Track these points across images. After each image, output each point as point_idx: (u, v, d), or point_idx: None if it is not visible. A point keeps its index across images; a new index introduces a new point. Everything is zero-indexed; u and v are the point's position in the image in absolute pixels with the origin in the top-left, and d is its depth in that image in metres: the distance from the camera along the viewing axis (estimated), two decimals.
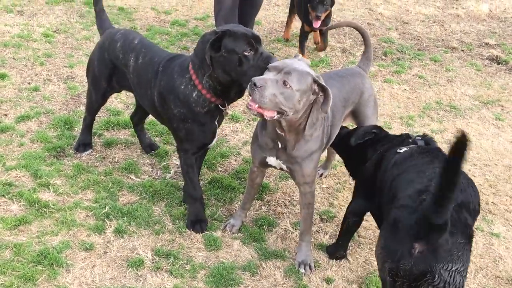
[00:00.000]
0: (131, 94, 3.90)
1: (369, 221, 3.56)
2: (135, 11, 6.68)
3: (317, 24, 5.47)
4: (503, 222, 3.74)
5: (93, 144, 4.00)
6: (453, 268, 2.29)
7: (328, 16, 5.60)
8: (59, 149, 3.90)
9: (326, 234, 3.48)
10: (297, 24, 6.54)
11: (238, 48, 2.86)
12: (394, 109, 5.11)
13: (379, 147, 3.09)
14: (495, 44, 6.92)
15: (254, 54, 2.87)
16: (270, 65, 2.74)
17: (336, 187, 3.95)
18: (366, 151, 3.15)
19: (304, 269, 3.13)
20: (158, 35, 6.02)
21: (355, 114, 3.56)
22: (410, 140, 3.03)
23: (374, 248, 2.57)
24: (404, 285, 2.33)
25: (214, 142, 3.30)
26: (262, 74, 2.74)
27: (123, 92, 4.02)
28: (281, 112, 2.70)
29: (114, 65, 3.52)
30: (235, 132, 4.46)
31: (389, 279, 2.38)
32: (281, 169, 3.12)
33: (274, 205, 3.68)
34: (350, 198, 3.81)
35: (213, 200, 3.65)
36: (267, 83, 2.62)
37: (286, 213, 3.61)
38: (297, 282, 3.07)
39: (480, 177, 4.19)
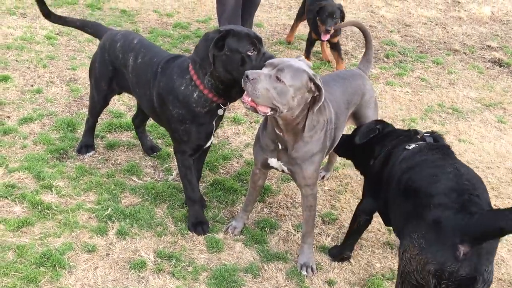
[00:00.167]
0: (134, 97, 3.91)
1: (370, 223, 3.56)
2: (137, 14, 6.70)
3: (325, 38, 5.44)
4: None
5: (95, 146, 4.01)
6: (490, 269, 2.28)
7: (338, 28, 5.53)
8: (61, 151, 3.91)
9: (328, 236, 3.48)
10: (301, 28, 6.56)
11: (241, 48, 2.89)
12: (396, 111, 5.11)
13: (387, 143, 3.08)
14: (497, 47, 6.92)
15: (256, 54, 2.91)
16: (267, 61, 2.76)
17: (338, 189, 3.95)
18: (373, 147, 3.13)
19: (306, 271, 3.13)
20: (160, 38, 6.04)
21: (356, 116, 3.56)
22: (419, 137, 3.01)
23: (401, 249, 2.45)
24: (448, 287, 2.28)
25: (209, 143, 3.30)
26: None
27: (126, 94, 4.03)
28: (274, 109, 2.71)
29: (114, 67, 3.53)
30: (237, 134, 4.46)
31: (434, 282, 2.30)
32: (283, 171, 3.13)
33: (276, 207, 3.69)
34: (352, 200, 3.83)
35: (215, 202, 3.65)
36: (260, 76, 2.65)
37: (288, 215, 3.61)
38: (299, 284, 3.07)
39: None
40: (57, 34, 5.82)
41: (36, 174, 3.60)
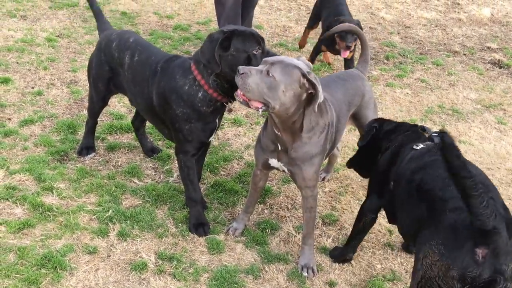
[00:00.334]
0: None
1: (375, 221, 3.57)
2: (137, 16, 6.71)
3: (345, 54, 5.24)
4: None
5: (96, 148, 4.01)
6: (511, 267, 2.26)
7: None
8: (62, 153, 3.92)
9: (329, 238, 3.48)
10: (299, 29, 6.57)
11: (247, 47, 2.94)
12: (397, 113, 5.12)
13: (393, 138, 3.08)
14: (497, 48, 6.93)
15: (261, 53, 2.97)
16: (264, 59, 2.79)
17: (339, 190, 3.96)
18: (379, 143, 3.13)
19: (307, 273, 3.13)
20: (161, 40, 6.04)
21: (356, 117, 3.57)
22: (426, 136, 3.01)
23: (420, 254, 2.42)
24: None
25: (211, 138, 3.32)
26: None
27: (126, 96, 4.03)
28: (266, 104, 2.72)
29: (110, 67, 3.53)
30: (238, 136, 4.47)
31: (459, 285, 2.29)
32: (284, 171, 3.13)
33: (277, 208, 3.69)
34: (352, 201, 3.83)
35: (215, 203, 3.65)
36: (251, 71, 2.69)
37: (289, 217, 3.62)
38: (300, 285, 3.07)
39: None
40: (58, 36, 5.83)
41: (37, 176, 3.61)
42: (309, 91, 2.76)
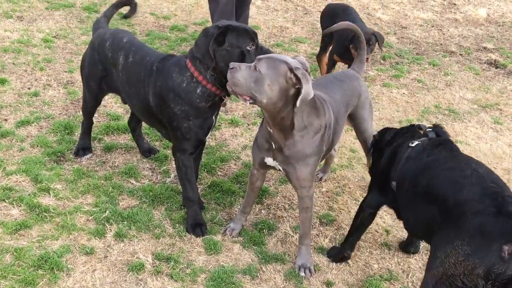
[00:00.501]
0: None
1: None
2: (134, 16, 6.68)
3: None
4: None
5: (93, 149, 4.01)
6: None
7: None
8: (59, 153, 3.91)
9: (326, 238, 3.48)
10: (297, 30, 6.57)
11: (241, 43, 2.97)
12: (393, 113, 5.13)
13: (394, 142, 3.12)
14: (493, 48, 6.95)
15: (255, 49, 3.00)
16: (257, 56, 2.83)
17: (336, 190, 3.96)
18: (383, 151, 3.16)
19: (304, 273, 3.14)
20: (158, 40, 6.04)
21: (352, 117, 3.57)
22: (421, 132, 3.04)
23: (441, 254, 2.49)
24: (494, 286, 2.36)
25: (208, 134, 3.34)
26: None
27: None
28: (253, 98, 2.76)
29: (104, 67, 3.53)
30: (235, 136, 4.47)
31: (483, 283, 2.38)
32: (280, 170, 3.14)
33: (274, 209, 3.69)
34: (349, 201, 3.84)
35: (213, 204, 3.65)
36: (240, 67, 2.77)
37: (286, 217, 3.62)
38: (297, 285, 3.08)
39: None
40: (54, 37, 5.82)
41: (33, 177, 3.60)
42: (297, 86, 2.75)
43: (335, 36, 5.27)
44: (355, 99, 3.49)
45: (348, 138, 4.56)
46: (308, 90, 2.71)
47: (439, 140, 2.96)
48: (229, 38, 2.97)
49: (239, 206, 3.60)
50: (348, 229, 3.34)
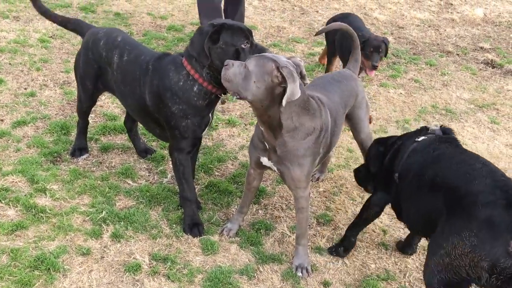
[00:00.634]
0: None
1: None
2: (131, 16, 6.69)
3: (372, 74, 4.93)
4: None
5: (89, 149, 4.00)
6: None
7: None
8: (55, 154, 3.90)
9: (323, 238, 3.48)
10: (295, 30, 6.56)
11: (235, 41, 2.99)
12: (390, 113, 5.13)
13: (398, 141, 3.14)
14: (490, 48, 6.96)
15: (249, 47, 3.02)
16: (251, 55, 2.87)
17: (333, 190, 3.96)
18: (385, 155, 3.18)
19: (301, 273, 3.13)
20: (155, 40, 6.03)
21: (349, 117, 3.57)
22: (428, 131, 3.06)
23: (447, 245, 2.49)
24: (498, 280, 2.37)
25: (205, 132, 3.34)
26: None
27: None
28: (238, 93, 2.81)
29: (99, 66, 3.51)
30: (232, 136, 4.46)
31: (486, 276, 2.39)
32: (275, 171, 3.13)
33: (271, 209, 3.69)
34: (347, 201, 3.84)
35: (210, 204, 3.65)
36: (233, 64, 2.81)
37: (283, 217, 3.61)
38: (295, 285, 3.07)
39: None
40: (51, 37, 5.81)
41: (30, 178, 3.59)
42: (283, 85, 2.74)
43: (344, 46, 4.99)
44: (352, 100, 3.49)
45: (345, 138, 4.56)
46: (293, 89, 2.70)
47: (446, 137, 3.00)
48: (223, 36, 2.99)
49: (236, 206, 3.60)
50: (345, 229, 3.34)
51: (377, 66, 4.81)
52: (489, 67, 6.46)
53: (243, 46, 3.00)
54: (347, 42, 4.63)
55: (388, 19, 7.65)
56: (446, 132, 3.06)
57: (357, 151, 4.26)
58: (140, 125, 4.04)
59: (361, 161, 4.15)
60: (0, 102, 4.49)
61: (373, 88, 5.55)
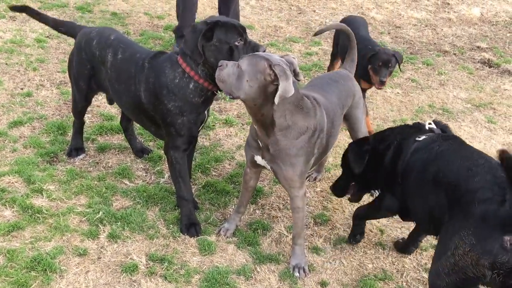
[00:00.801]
0: None
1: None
2: (128, 16, 6.68)
3: (381, 87, 4.64)
4: None
5: (86, 149, 3.99)
6: None
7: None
8: (52, 154, 3.89)
9: (321, 238, 3.48)
10: (292, 29, 6.54)
11: (229, 39, 3.01)
12: (387, 112, 5.13)
13: (392, 138, 3.09)
14: (487, 48, 6.97)
15: (243, 44, 3.03)
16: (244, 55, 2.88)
17: (330, 190, 3.95)
18: (382, 154, 3.11)
19: (299, 273, 3.13)
20: (151, 40, 6.02)
21: (347, 117, 3.57)
22: (427, 128, 3.04)
23: (450, 245, 2.50)
24: (500, 275, 2.38)
25: (200, 130, 3.35)
26: None
27: None
28: (231, 93, 2.82)
29: (92, 65, 3.51)
30: (229, 136, 4.46)
31: (489, 273, 2.41)
32: (269, 170, 3.13)
33: (268, 209, 3.69)
34: (344, 201, 3.83)
35: (207, 204, 3.64)
36: (227, 64, 2.82)
37: (280, 217, 3.61)
38: (292, 286, 3.07)
39: None
40: (47, 37, 5.79)
41: (26, 178, 3.58)
42: (275, 83, 2.74)
43: (351, 55, 4.80)
44: (350, 100, 3.49)
45: (342, 138, 4.56)
46: (286, 87, 2.70)
47: (448, 135, 3.00)
48: (217, 33, 3.01)
49: (233, 206, 3.59)
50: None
51: (385, 82, 4.49)
52: (486, 66, 6.47)
53: (236, 43, 3.02)
54: (364, 59, 4.47)
55: (385, 19, 7.66)
56: (443, 130, 3.05)
57: None
58: (136, 125, 4.03)
59: None
60: None
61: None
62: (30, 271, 2.90)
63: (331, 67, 5.26)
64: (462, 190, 2.55)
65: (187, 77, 3.10)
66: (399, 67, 4.60)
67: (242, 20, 6.63)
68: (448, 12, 8.14)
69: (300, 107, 2.91)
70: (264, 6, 7.62)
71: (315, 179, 4.04)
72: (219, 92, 3.18)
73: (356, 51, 3.79)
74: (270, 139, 2.93)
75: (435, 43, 7.02)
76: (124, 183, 3.73)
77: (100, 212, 3.37)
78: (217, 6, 6.00)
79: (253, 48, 3.04)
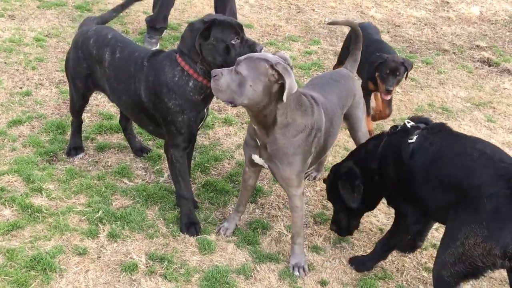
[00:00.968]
0: None
1: (362, 223, 3.57)
2: (127, 15, 6.67)
3: (387, 97, 4.48)
4: None
5: (85, 148, 3.98)
6: None
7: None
8: (51, 153, 3.88)
9: (320, 237, 3.48)
10: (291, 28, 6.53)
11: (225, 37, 3.00)
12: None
13: (384, 148, 3.06)
14: (486, 47, 6.97)
15: (240, 42, 3.02)
16: (237, 59, 2.82)
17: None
18: (380, 172, 3.08)
19: (298, 272, 3.13)
20: None
21: (347, 117, 3.57)
22: (411, 127, 3.02)
23: (460, 235, 2.61)
24: (511, 261, 2.53)
25: (199, 127, 3.36)
26: None
27: None
28: (233, 101, 2.78)
29: (88, 64, 3.50)
30: (228, 135, 4.46)
31: (500, 261, 2.55)
32: (267, 168, 3.13)
33: (268, 208, 3.68)
34: None
35: (206, 203, 3.64)
36: (222, 73, 2.76)
37: (280, 216, 3.61)
38: (292, 285, 3.07)
39: None
40: (46, 36, 5.78)
41: (25, 177, 3.57)
42: (280, 82, 2.74)
43: (362, 60, 4.42)
44: (350, 100, 3.49)
45: (342, 137, 4.56)
46: (291, 83, 2.72)
47: (435, 127, 3.01)
48: (214, 32, 3.00)
49: (233, 206, 3.59)
50: (388, 240, 3.23)
51: (391, 91, 4.35)
52: (486, 65, 6.47)
53: (233, 42, 3.01)
54: (372, 65, 4.43)
55: (385, 18, 7.65)
56: (426, 122, 3.05)
57: None
58: (135, 124, 4.03)
59: None
60: None
61: None
62: (29, 270, 2.90)
63: (337, 67, 5.07)
64: (465, 187, 2.66)
65: (186, 75, 3.10)
66: (406, 75, 4.45)
67: (241, 19, 6.62)
68: (448, 11, 8.14)
69: (299, 103, 2.93)
70: (263, 5, 7.61)
71: (314, 178, 4.04)
72: None
73: (360, 52, 3.78)
74: (269, 138, 2.93)
75: (434, 42, 7.01)
76: (123, 182, 3.73)
77: (100, 211, 3.37)
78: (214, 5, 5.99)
79: (250, 46, 3.03)
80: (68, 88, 4.75)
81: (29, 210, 3.31)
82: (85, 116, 4.06)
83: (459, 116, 5.21)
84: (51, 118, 4.32)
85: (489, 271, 2.64)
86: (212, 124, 4.52)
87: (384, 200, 3.31)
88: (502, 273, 3.30)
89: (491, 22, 7.92)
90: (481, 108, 5.42)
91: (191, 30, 3.04)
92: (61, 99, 4.62)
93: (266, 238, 3.40)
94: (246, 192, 3.37)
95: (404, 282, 3.21)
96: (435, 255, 3.40)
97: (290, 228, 3.46)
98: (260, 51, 3.00)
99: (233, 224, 3.39)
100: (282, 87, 2.74)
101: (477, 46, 6.97)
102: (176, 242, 3.25)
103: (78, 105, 3.77)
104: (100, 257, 3.07)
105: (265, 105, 2.80)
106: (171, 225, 3.37)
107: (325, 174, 4.11)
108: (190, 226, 3.32)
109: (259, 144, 3.01)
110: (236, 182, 3.86)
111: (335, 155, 4.33)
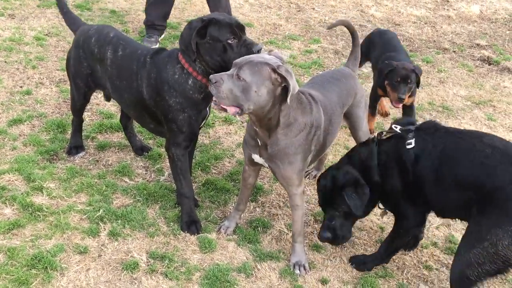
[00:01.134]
0: None
1: (363, 221, 3.58)
2: (127, 14, 6.67)
3: (398, 106, 4.35)
4: None
5: (86, 147, 3.98)
6: None
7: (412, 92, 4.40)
8: (52, 152, 3.89)
9: None
10: (291, 27, 6.51)
11: (221, 36, 2.98)
12: (387, 110, 5.12)
13: (383, 159, 3.03)
14: (486, 45, 6.97)
15: (237, 42, 2.99)
16: (234, 61, 2.79)
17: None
18: (374, 180, 3.05)
19: (299, 270, 3.13)
20: None
21: (347, 116, 3.57)
22: (402, 131, 3.00)
23: (493, 238, 2.63)
24: None
25: (201, 126, 3.35)
26: None
27: None
28: (240, 107, 2.72)
29: (89, 63, 3.50)
30: (229, 134, 4.46)
31: None
32: (267, 167, 3.13)
33: (268, 206, 3.69)
34: None
35: (207, 202, 3.64)
36: (223, 78, 2.70)
37: (280, 215, 3.61)
38: (293, 283, 3.07)
39: None
40: (46, 35, 5.78)
41: (26, 176, 3.57)
42: (283, 84, 2.74)
43: (373, 68, 4.57)
44: (351, 99, 3.49)
45: (342, 136, 4.56)
46: (294, 85, 2.73)
47: (429, 127, 2.99)
48: (210, 31, 2.99)
49: (233, 204, 3.59)
50: (389, 244, 3.24)
51: (403, 99, 4.21)
52: (486, 64, 6.47)
53: (229, 41, 2.98)
54: (376, 51, 4.48)
55: (385, 16, 7.65)
56: (413, 123, 3.05)
57: None
58: (136, 123, 4.03)
59: None
60: None
61: (370, 85, 5.54)
62: (30, 269, 2.90)
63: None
64: (489, 188, 2.67)
65: (186, 73, 3.10)
66: (418, 83, 4.35)
67: (241, 18, 6.63)
68: (448, 9, 8.14)
69: (300, 102, 2.94)
70: (263, 4, 7.61)
71: (314, 176, 4.04)
72: None
73: (359, 49, 3.79)
74: (271, 139, 2.93)
75: (434, 41, 7.02)
76: (124, 181, 3.73)
77: (101, 210, 3.37)
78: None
79: (247, 46, 2.99)
80: (68, 87, 4.77)
81: (30, 209, 3.31)
82: (85, 115, 4.06)
83: (460, 115, 5.21)
84: (52, 117, 4.32)
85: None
86: (213, 123, 4.53)
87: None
88: None
89: (491, 21, 7.92)
90: (481, 107, 5.42)
91: (189, 28, 3.04)
92: (61, 98, 4.62)
93: (266, 236, 3.41)
94: (246, 190, 3.37)
95: (405, 280, 3.21)
96: (435, 253, 3.42)
97: (291, 226, 3.47)
98: (259, 51, 2.97)
99: (234, 223, 3.40)
100: (284, 89, 2.75)
101: (477, 44, 6.97)
102: (177, 240, 3.26)
103: (79, 104, 3.77)
104: (101, 255, 3.08)
105: (269, 109, 2.79)
106: (171, 223, 3.37)
107: None
108: (191, 224, 3.32)
109: (259, 144, 3.01)
110: (237, 181, 3.86)
111: (335, 154, 4.33)
